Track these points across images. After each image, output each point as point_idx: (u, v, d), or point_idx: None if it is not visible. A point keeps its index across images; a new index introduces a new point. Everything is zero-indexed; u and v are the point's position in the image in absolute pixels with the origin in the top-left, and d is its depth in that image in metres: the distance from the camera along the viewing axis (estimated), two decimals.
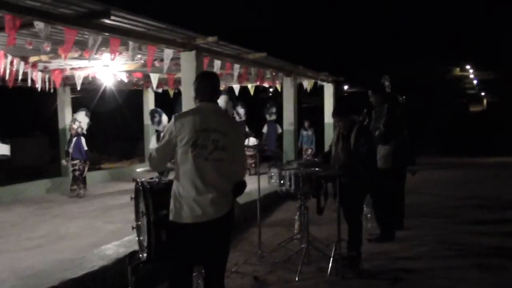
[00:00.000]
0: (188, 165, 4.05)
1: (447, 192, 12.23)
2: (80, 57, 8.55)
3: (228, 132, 4.14)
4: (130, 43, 7.38)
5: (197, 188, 4.03)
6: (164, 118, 12.23)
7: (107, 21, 6.41)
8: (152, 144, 12.33)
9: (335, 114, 6.84)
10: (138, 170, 6.53)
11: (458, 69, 78.56)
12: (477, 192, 12.21)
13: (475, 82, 71.73)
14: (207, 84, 4.32)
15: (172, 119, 4.15)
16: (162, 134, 4.24)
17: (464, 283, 5.99)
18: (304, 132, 17.40)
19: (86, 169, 12.89)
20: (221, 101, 7.59)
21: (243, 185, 4.28)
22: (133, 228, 5.12)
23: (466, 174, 15.72)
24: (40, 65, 9.97)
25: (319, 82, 16.27)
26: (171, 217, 4.12)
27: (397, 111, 7.94)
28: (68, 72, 11.12)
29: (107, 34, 6.77)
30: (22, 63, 8.65)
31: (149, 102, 18.30)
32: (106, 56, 8.55)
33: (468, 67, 75.75)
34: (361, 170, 6.33)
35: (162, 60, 8.56)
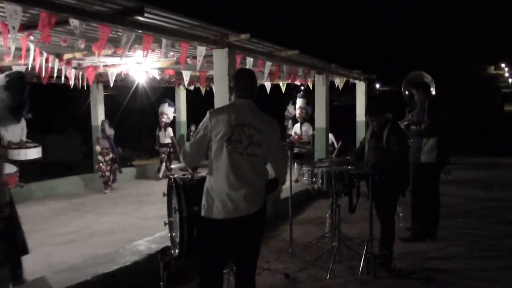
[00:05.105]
0: (222, 159, 4.05)
1: (480, 192, 12.04)
2: (114, 54, 8.62)
3: (264, 129, 4.14)
4: (163, 40, 7.41)
5: (231, 183, 4.02)
6: None
7: (140, 18, 6.44)
8: None
9: (368, 113, 6.77)
10: (172, 166, 6.59)
11: (492, 67, 77.43)
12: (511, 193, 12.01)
13: (510, 81, 70.58)
14: (245, 81, 4.33)
15: (208, 115, 4.15)
16: (197, 129, 4.25)
17: (497, 284, 5.92)
18: None
19: None
20: None
21: (276, 182, 4.26)
22: (165, 224, 5.16)
23: (499, 174, 15.44)
24: (74, 62, 10.07)
25: (351, 80, 16.14)
26: (203, 213, 4.13)
27: (440, 107, 7.72)
28: (101, 69, 11.23)
29: (140, 31, 6.80)
30: (57, 60, 8.74)
31: (181, 99, 18.44)
32: (139, 53, 8.60)
33: (503, 65, 74.59)
34: (393, 169, 6.25)
35: (194, 57, 8.57)
